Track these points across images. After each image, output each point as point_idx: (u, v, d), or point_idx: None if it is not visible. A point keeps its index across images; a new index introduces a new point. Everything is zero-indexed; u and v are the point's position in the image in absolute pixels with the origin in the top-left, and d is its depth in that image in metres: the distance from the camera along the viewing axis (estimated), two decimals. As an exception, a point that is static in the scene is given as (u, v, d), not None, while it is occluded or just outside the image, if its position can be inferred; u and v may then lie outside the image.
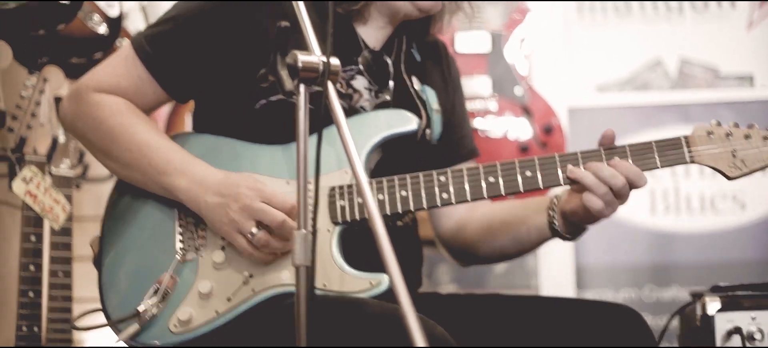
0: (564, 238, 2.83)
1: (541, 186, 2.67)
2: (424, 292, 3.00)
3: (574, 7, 5.95)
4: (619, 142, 2.69)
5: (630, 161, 2.64)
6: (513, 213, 2.93)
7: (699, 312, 3.25)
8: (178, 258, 2.67)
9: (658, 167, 2.66)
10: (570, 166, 2.64)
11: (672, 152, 2.66)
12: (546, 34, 5.64)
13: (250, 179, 2.59)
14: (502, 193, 2.67)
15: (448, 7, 2.99)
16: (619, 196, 2.62)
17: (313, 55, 2.20)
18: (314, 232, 2.13)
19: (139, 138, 2.72)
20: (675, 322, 3.59)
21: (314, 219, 2.16)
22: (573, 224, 2.77)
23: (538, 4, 5.61)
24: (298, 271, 2.10)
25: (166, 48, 2.79)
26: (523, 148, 4.97)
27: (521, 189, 2.67)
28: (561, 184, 2.67)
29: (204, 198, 2.61)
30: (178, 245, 2.69)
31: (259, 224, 2.55)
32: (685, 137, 2.67)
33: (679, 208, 5.71)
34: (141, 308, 2.61)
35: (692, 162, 2.66)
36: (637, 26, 5.93)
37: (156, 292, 2.63)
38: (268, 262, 2.61)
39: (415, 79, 2.96)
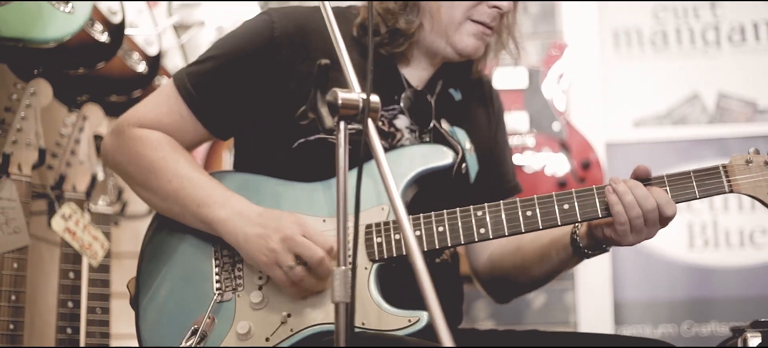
0: (583, 253, 2.80)
1: (579, 218, 2.66)
2: (462, 328, 2.98)
3: (611, 43, 5.94)
4: (658, 177, 2.68)
5: (668, 190, 2.63)
6: (540, 234, 2.92)
7: (740, 347, 3.22)
8: (216, 298, 2.67)
9: (696, 197, 2.65)
10: (614, 177, 2.63)
11: (710, 181, 2.64)
12: (583, 70, 5.63)
13: (292, 215, 2.59)
14: (540, 226, 2.66)
15: (492, 44, 2.99)
16: (647, 221, 2.61)
17: (353, 93, 2.21)
18: (353, 268, 2.12)
19: (179, 171, 2.73)
20: (715, 359, 3.56)
21: (354, 255, 2.16)
22: (595, 239, 2.75)
23: (576, 40, 5.60)
24: (337, 308, 2.10)
25: (208, 86, 2.80)
26: (561, 183, 4.96)
27: (559, 222, 2.65)
28: (600, 217, 2.65)
29: (244, 229, 2.60)
30: (216, 285, 2.68)
31: (297, 259, 2.55)
32: (724, 166, 2.66)
33: (718, 242, 5.67)
34: (179, 350, 2.61)
35: (730, 191, 2.64)
36: (674, 61, 5.91)
37: (194, 333, 2.62)
38: (301, 298, 2.60)
39: (444, 122, 2.94)
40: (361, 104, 2.19)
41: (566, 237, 2.82)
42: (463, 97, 3.04)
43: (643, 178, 2.66)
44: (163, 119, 2.82)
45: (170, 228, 2.79)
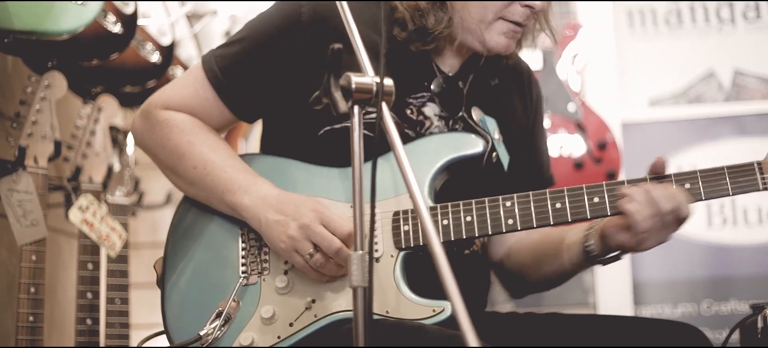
0: (592, 260, 2.73)
1: (608, 212, 2.59)
2: (483, 311, 2.97)
3: (625, 22, 5.92)
4: (675, 157, 2.64)
5: (700, 186, 2.57)
6: (556, 233, 2.88)
7: (760, 324, 3.20)
8: (242, 281, 2.67)
9: (729, 194, 2.57)
10: (624, 188, 2.59)
11: (744, 178, 2.56)
12: (598, 50, 5.61)
13: (312, 200, 2.58)
14: (569, 219, 2.60)
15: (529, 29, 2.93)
16: (663, 223, 2.56)
17: (367, 76, 2.19)
18: (371, 255, 2.11)
19: (205, 156, 2.73)
20: (735, 336, 3.54)
21: (371, 242, 2.14)
22: (608, 245, 2.67)
23: (590, 20, 5.59)
24: (355, 293, 2.09)
25: (234, 70, 2.79)
26: (578, 164, 4.95)
27: (588, 215, 2.58)
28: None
29: (265, 214, 2.60)
30: (241, 268, 2.69)
31: (316, 247, 2.55)
32: (759, 163, 2.57)
33: (736, 220, 5.66)
34: (203, 332, 2.60)
35: (765, 189, 2.56)
36: (689, 39, 5.89)
37: (219, 315, 2.62)
38: (325, 282, 2.60)
39: (475, 110, 2.91)
40: (374, 88, 2.18)
41: (577, 241, 2.75)
42: (500, 82, 3.01)
43: (660, 171, 2.60)
44: (189, 101, 2.82)
45: (198, 208, 2.80)
